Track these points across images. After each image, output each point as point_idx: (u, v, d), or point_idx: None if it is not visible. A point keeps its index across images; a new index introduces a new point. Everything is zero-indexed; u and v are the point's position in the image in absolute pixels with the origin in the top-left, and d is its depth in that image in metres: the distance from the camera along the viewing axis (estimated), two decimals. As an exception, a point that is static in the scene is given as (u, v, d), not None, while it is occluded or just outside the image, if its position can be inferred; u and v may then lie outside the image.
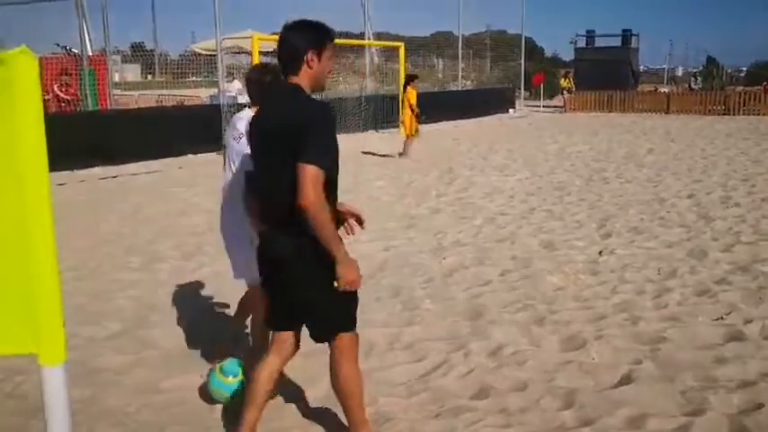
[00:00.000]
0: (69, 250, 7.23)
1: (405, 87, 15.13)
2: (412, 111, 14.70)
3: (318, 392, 3.94)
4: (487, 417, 3.68)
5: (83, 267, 6.65)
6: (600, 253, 7.05)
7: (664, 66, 74.37)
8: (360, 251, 7.19)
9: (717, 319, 5.11)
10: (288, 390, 3.96)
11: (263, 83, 3.81)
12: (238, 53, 23.30)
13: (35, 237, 1.20)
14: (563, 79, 32.93)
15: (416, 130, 14.98)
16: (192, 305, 5.59)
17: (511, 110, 30.20)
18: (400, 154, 15.20)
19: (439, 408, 3.80)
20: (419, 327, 5.07)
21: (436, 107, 23.84)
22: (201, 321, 5.22)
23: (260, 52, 17.35)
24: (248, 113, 3.75)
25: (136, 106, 19.06)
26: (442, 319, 5.22)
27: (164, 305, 5.60)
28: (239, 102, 17.45)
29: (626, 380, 4.11)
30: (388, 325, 5.10)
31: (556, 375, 4.20)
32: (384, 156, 15.48)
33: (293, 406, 3.86)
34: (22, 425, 3.61)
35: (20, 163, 1.16)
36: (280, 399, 3.86)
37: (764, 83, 29.97)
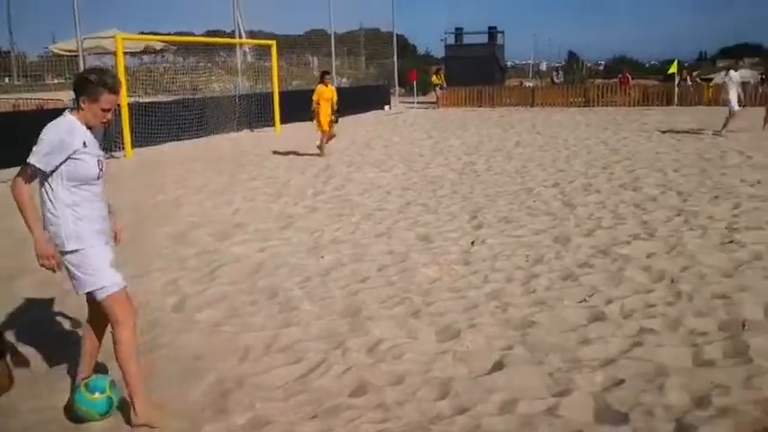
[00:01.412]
0: None
1: (321, 83, 14.89)
2: (331, 108, 14.57)
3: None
4: (365, 413, 3.70)
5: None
6: (472, 243, 7.26)
7: (529, 61, 77.78)
8: (234, 253, 7.08)
9: (581, 302, 5.38)
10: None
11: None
12: (103, 54, 22.25)
13: None
14: (434, 76, 33.70)
15: (330, 126, 14.76)
16: (52, 322, 5.28)
17: (387, 107, 30.62)
18: (319, 150, 14.92)
19: (317, 408, 3.77)
20: (297, 328, 5.02)
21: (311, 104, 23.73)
22: (66, 337, 4.93)
23: (124, 52, 16.64)
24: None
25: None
26: (320, 319, 5.19)
27: (23, 324, 5.25)
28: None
29: (498, 366, 4.25)
30: (265, 328, 5.02)
31: (432, 366, 4.28)
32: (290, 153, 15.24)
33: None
34: None
35: None
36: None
37: (619, 75, 31.87)
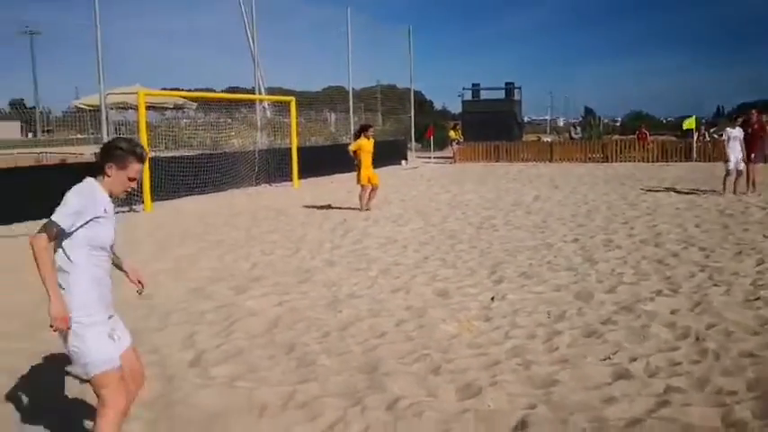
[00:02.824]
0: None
1: (357, 136, 15.01)
2: (358, 162, 14.62)
3: None
4: (385, 474, 3.59)
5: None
6: (492, 299, 7.17)
7: (546, 117, 78.45)
8: (252, 307, 7.03)
9: (604, 359, 5.26)
10: None
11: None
12: (126, 109, 22.69)
13: None
14: (452, 131, 33.99)
15: (369, 180, 14.75)
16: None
17: (403, 161, 30.82)
18: (367, 207, 14.83)
19: (335, 468, 3.67)
20: (315, 383, 4.93)
21: (329, 160, 24.01)
22: (91, 394, 4.88)
23: (147, 107, 16.97)
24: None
25: (14, 165, 18.07)
26: (339, 374, 5.11)
27: (44, 378, 5.20)
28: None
29: (521, 426, 4.13)
30: (282, 383, 4.94)
31: (453, 425, 4.16)
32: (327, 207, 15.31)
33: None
34: None
35: None
36: None
37: (637, 131, 31.96)
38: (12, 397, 4.82)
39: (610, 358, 5.27)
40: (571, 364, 5.15)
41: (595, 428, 4.04)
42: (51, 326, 3.26)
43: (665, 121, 74.83)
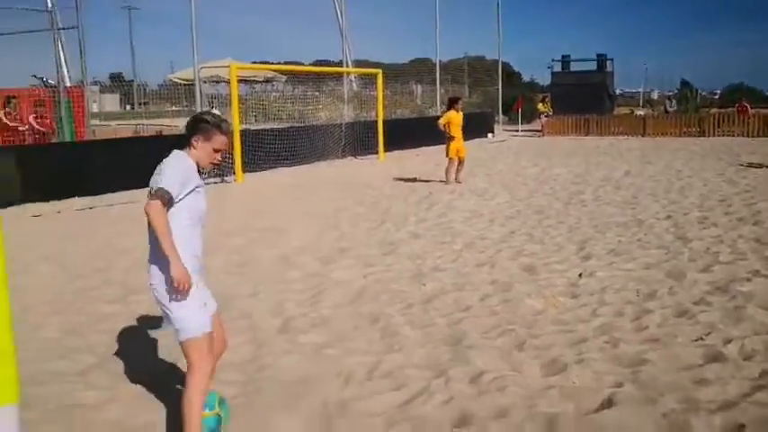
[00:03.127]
0: (43, 283, 7.12)
1: (447, 109, 14.95)
2: (450, 135, 14.54)
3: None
4: (468, 445, 3.62)
5: (57, 301, 6.53)
6: (579, 275, 7.05)
7: (639, 89, 75.56)
8: (338, 278, 7.17)
9: (696, 340, 5.10)
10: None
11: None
12: (218, 82, 23.31)
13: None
14: (540, 103, 33.28)
15: (458, 153, 14.69)
16: (167, 337, 5.49)
17: (490, 134, 30.43)
18: (455, 180, 14.78)
19: (419, 437, 3.73)
20: (399, 354, 5.00)
21: (415, 133, 24.00)
22: (178, 354, 5.12)
23: (239, 80, 17.38)
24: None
25: (114, 136, 18.93)
26: (422, 346, 5.16)
27: (138, 339, 5.50)
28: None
29: (607, 404, 4.07)
30: (367, 353, 5.03)
31: (537, 401, 4.15)
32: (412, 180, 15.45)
33: None
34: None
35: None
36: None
37: (736, 104, 30.40)
38: (108, 358, 5.11)
39: (702, 339, 5.11)
40: (661, 344, 5.02)
41: (686, 410, 3.93)
42: (174, 287, 3.35)
43: (768, 94, 70.80)
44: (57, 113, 16.68)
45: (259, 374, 4.69)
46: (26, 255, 8.16)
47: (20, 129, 15.64)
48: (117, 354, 5.18)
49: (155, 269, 3.49)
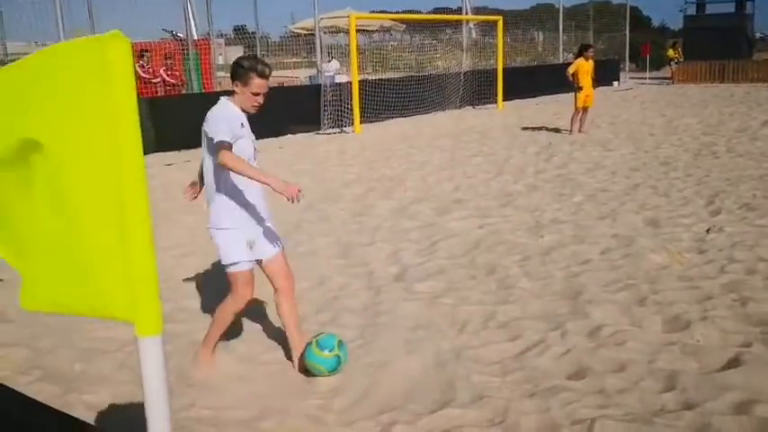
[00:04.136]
0: (176, 228, 7.56)
1: (577, 57, 14.53)
2: (577, 84, 14.11)
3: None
4: (584, 397, 3.60)
5: (189, 244, 6.93)
6: (707, 231, 6.73)
7: (783, 32, 69.57)
8: (454, 228, 7.20)
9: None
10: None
11: None
12: (336, 33, 23.50)
13: (132, 212, 1.24)
14: (670, 50, 31.38)
15: (584, 103, 14.23)
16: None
17: (615, 82, 29.15)
18: (579, 130, 14.41)
19: (534, 387, 3.75)
20: (515, 305, 5.00)
21: (535, 81, 23.35)
22: (310, 294, 5.35)
23: (357, 30, 17.44)
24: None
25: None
26: (539, 298, 5.13)
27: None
28: (337, 81, 17.68)
29: (734, 363, 3.92)
30: (483, 303, 5.07)
31: (657, 357, 4.05)
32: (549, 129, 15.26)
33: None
34: (133, 393, 3.81)
35: (116, 142, 1.21)
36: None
37: None
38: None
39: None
40: (796, 305, 4.75)
41: (820, 374, 3.73)
42: (289, 200, 3.56)
43: None
44: (186, 66, 17.40)
45: (377, 320, 4.83)
46: (165, 205, 8.63)
47: (152, 81, 16.45)
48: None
49: (209, 205, 3.85)
